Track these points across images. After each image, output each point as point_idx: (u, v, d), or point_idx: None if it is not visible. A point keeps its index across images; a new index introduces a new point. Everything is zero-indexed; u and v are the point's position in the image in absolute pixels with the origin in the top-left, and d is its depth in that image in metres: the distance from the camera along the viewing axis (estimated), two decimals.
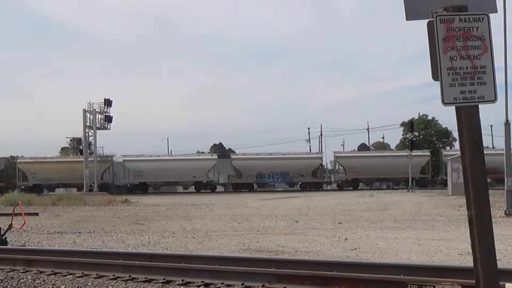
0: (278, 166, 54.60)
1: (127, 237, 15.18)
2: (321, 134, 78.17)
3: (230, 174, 56.22)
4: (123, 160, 55.77)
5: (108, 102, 55.21)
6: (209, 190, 54.33)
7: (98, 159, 54.79)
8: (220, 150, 76.21)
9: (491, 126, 59.18)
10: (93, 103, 54.47)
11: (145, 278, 8.13)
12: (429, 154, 55.04)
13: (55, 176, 54.12)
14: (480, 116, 4.09)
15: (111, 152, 58.40)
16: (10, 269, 9.25)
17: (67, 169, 54.28)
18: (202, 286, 7.64)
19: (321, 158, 57.41)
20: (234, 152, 68.58)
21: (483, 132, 4.23)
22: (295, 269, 7.72)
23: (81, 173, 52.82)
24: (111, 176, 55.41)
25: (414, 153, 50.42)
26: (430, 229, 16.04)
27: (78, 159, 55.90)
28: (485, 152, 4.17)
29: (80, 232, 16.71)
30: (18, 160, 56.76)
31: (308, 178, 54.73)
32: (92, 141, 54.87)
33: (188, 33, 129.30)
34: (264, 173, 54.70)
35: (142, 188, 53.86)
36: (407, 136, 58.10)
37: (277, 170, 54.69)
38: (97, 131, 54.84)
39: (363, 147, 79.67)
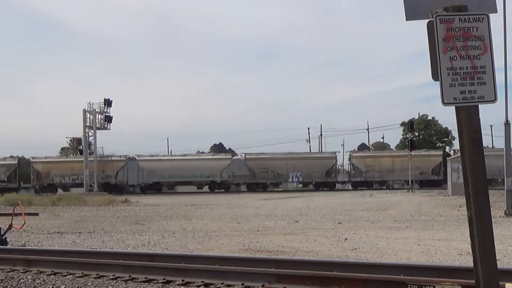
0: (292, 166, 54.42)
1: (127, 237, 15.18)
2: (321, 134, 78.26)
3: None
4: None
5: (108, 102, 55.19)
6: (223, 190, 54.25)
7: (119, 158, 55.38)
8: (220, 150, 76.13)
9: (491, 126, 59.20)
10: (93, 103, 54.52)
11: (145, 278, 8.13)
12: (441, 153, 55.10)
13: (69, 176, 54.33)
14: (480, 116, 4.09)
15: (111, 152, 58.42)
16: (10, 269, 9.25)
17: (81, 169, 54.34)
18: (202, 286, 7.64)
19: (335, 158, 57.29)
20: (234, 152, 68.41)
21: (483, 132, 4.23)
22: (295, 269, 7.71)
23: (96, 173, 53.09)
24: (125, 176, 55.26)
25: (431, 152, 49.93)
26: (430, 229, 16.03)
27: (93, 159, 55.74)
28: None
29: (80, 232, 16.71)
30: (32, 160, 56.16)
31: (322, 177, 54.65)
32: (92, 141, 54.85)
33: (188, 33, 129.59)
34: (279, 172, 54.55)
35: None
36: (407, 136, 58.06)
37: (291, 169, 54.53)
38: (97, 131, 54.82)
39: (363, 147, 79.62)
